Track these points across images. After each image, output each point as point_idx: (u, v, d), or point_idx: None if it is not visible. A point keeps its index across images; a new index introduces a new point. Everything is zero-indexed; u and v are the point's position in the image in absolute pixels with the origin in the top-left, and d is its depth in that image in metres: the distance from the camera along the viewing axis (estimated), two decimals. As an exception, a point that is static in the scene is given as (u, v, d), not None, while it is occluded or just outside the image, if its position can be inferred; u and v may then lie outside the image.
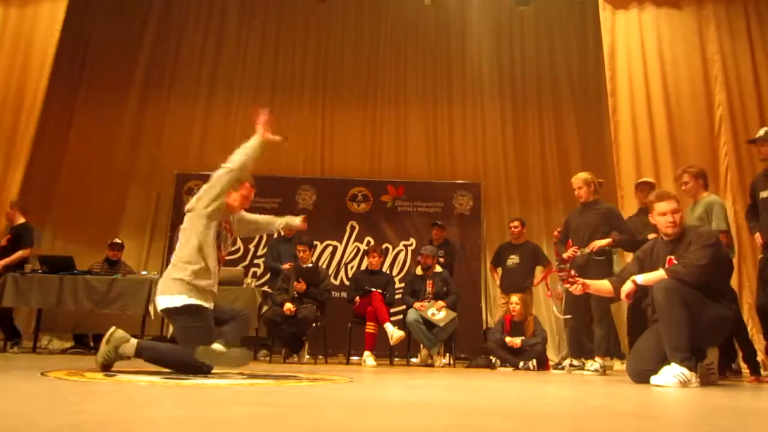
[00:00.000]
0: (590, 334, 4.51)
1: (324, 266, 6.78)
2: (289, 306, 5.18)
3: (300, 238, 5.74)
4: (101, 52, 7.84)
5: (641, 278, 3.17)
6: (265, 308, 5.43)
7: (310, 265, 5.60)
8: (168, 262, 3.24)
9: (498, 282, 6.05)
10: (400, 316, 5.77)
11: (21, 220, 5.45)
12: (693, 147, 5.76)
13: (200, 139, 7.76)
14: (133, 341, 2.83)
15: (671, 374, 2.85)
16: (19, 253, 5.27)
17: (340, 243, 7.20)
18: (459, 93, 7.94)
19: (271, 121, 3.28)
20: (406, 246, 7.18)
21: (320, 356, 5.52)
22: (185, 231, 3.00)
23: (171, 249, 3.19)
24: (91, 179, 7.37)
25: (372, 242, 7.05)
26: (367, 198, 7.34)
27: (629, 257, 4.44)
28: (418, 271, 5.83)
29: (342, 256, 7.17)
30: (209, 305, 2.95)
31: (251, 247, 7.06)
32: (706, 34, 6.04)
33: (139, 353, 2.82)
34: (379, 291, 5.46)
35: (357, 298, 5.63)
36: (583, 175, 4.74)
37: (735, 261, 4.94)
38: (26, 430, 1.13)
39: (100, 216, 7.22)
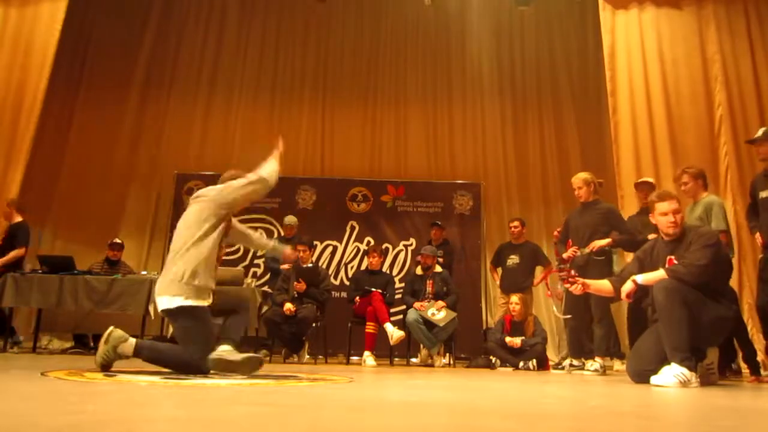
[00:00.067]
0: (590, 334, 4.51)
1: (324, 266, 6.78)
2: (289, 306, 5.19)
3: (300, 238, 5.74)
4: (101, 52, 7.84)
5: (641, 278, 3.17)
6: (265, 308, 5.43)
7: (310, 265, 5.59)
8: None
9: (498, 282, 6.05)
10: (400, 316, 5.77)
11: (18, 218, 5.44)
12: (693, 147, 5.76)
13: (200, 139, 7.76)
14: (132, 340, 2.83)
15: (671, 374, 2.85)
16: (14, 253, 5.26)
17: (340, 243, 7.20)
18: (459, 93, 7.94)
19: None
20: (406, 246, 7.18)
21: (320, 356, 5.52)
22: (190, 225, 2.97)
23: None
24: (91, 179, 7.37)
25: (372, 242, 7.05)
26: (367, 198, 7.34)
27: (629, 257, 4.44)
28: (418, 271, 5.83)
29: (342, 256, 7.17)
30: (208, 302, 2.95)
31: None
32: (706, 34, 6.04)
33: (138, 352, 2.82)
34: (379, 291, 5.46)
35: (357, 298, 5.63)
36: (583, 175, 4.74)
37: (735, 261, 4.94)
38: (26, 430, 1.13)
39: (100, 216, 7.22)
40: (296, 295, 5.35)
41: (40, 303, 5.11)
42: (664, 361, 2.95)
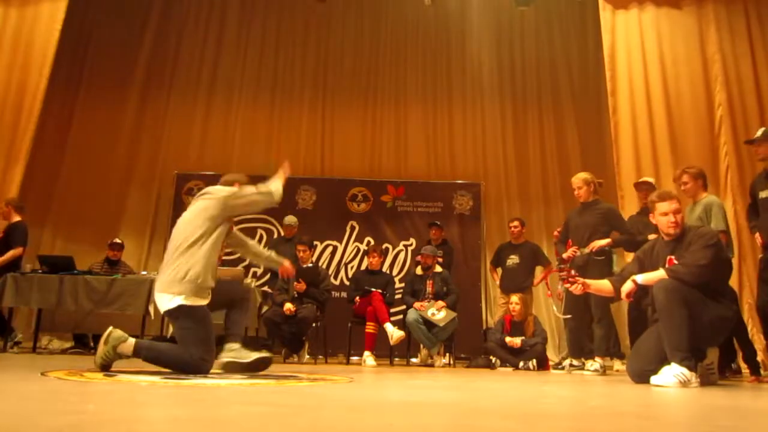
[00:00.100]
0: (590, 334, 4.51)
1: (324, 266, 6.79)
2: (289, 306, 5.18)
3: (300, 238, 5.74)
4: (101, 52, 7.84)
5: (641, 278, 3.17)
6: (265, 308, 5.43)
7: (310, 265, 5.59)
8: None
9: (498, 282, 6.06)
10: (400, 316, 5.77)
11: (16, 218, 5.42)
12: (693, 147, 5.76)
13: (200, 139, 7.76)
14: (131, 340, 2.83)
15: (671, 374, 2.85)
16: (11, 253, 5.24)
17: (340, 243, 7.20)
18: (459, 93, 7.94)
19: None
20: (406, 246, 7.18)
21: (320, 356, 5.52)
22: (195, 221, 2.96)
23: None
24: (91, 179, 7.37)
25: (372, 242, 7.05)
26: (367, 198, 7.34)
27: (629, 257, 4.44)
28: (418, 271, 5.83)
29: (342, 256, 7.17)
30: (207, 301, 2.94)
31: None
32: (706, 34, 6.04)
33: (137, 352, 2.81)
34: (379, 291, 5.46)
35: (357, 298, 5.63)
36: (582, 175, 4.74)
37: (735, 261, 4.94)
38: (26, 430, 1.13)
39: (100, 216, 7.22)
40: (296, 295, 5.35)
41: (40, 303, 5.10)
42: (664, 361, 2.95)
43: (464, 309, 6.14)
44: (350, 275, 6.82)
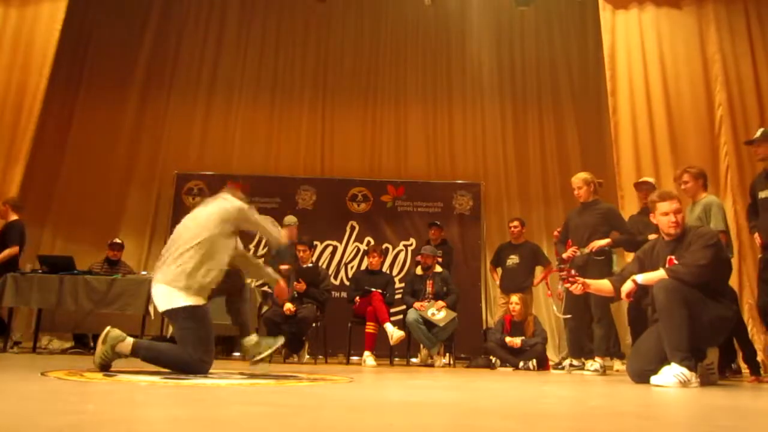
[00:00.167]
0: (590, 334, 4.51)
1: (324, 266, 6.79)
2: (289, 306, 5.18)
3: (300, 238, 5.74)
4: (101, 52, 7.84)
5: (641, 278, 3.17)
6: (265, 308, 5.43)
7: (310, 265, 5.60)
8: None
9: (498, 282, 6.06)
10: (400, 316, 5.77)
11: (13, 217, 5.42)
12: (693, 147, 5.76)
13: (200, 139, 7.77)
14: (130, 340, 2.82)
15: (671, 374, 2.85)
16: (7, 252, 5.23)
17: (340, 243, 7.20)
18: (459, 93, 7.94)
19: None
20: (406, 246, 7.18)
21: (320, 356, 5.52)
22: (210, 220, 2.98)
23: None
24: (91, 179, 7.37)
25: (372, 242, 7.05)
26: (367, 198, 7.34)
27: (629, 257, 4.44)
28: (418, 271, 5.83)
29: (342, 256, 7.17)
30: (206, 300, 2.94)
31: (251, 247, 7.06)
32: (706, 34, 6.04)
33: (135, 352, 2.80)
34: (379, 291, 5.46)
35: (357, 298, 5.63)
36: (582, 175, 4.75)
37: (735, 261, 4.94)
38: (26, 430, 1.13)
39: (100, 216, 7.22)
40: (296, 295, 5.35)
41: (40, 303, 5.10)
42: (664, 361, 2.95)
43: (464, 309, 6.14)
44: (350, 275, 6.82)
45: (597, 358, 4.41)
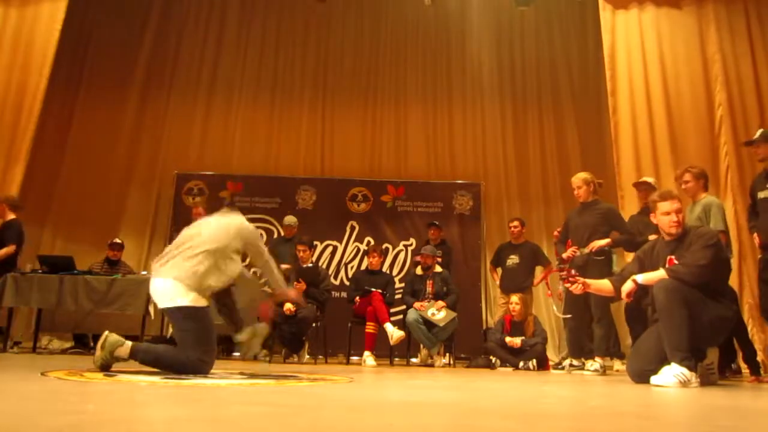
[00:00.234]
0: (590, 334, 4.51)
1: (324, 266, 6.78)
2: (289, 306, 5.18)
3: (300, 238, 5.74)
4: (101, 52, 7.84)
5: (642, 278, 3.17)
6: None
7: (310, 265, 5.59)
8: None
9: (498, 282, 6.06)
10: (400, 316, 5.77)
11: (10, 216, 5.40)
12: (693, 147, 5.76)
13: (200, 139, 7.76)
14: (128, 344, 2.81)
15: (671, 374, 2.85)
16: (4, 250, 5.22)
17: (340, 243, 7.20)
18: (459, 93, 7.94)
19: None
20: (406, 246, 7.18)
21: (320, 356, 5.52)
22: (229, 231, 3.02)
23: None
24: (91, 179, 7.37)
25: (372, 242, 7.05)
26: (367, 198, 7.34)
27: (629, 257, 4.44)
28: (418, 271, 5.83)
29: (342, 256, 7.17)
30: (208, 301, 2.94)
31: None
32: (706, 34, 6.04)
33: (134, 355, 2.80)
34: (379, 291, 5.46)
35: (357, 298, 5.63)
36: (582, 175, 4.75)
37: (736, 261, 4.95)
38: (26, 430, 1.13)
39: (100, 216, 7.22)
40: (296, 295, 5.35)
41: (40, 303, 5.11)
42: (665, 361, 2.95)
43: (464, 309, 6.14)
44: (350, 275, 6.82)
45: (597, 358, 4.41)
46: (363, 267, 6.61)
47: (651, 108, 5.89)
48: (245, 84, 7.94)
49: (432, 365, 5.44)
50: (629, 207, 5.42)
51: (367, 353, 5.20)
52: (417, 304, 5.42)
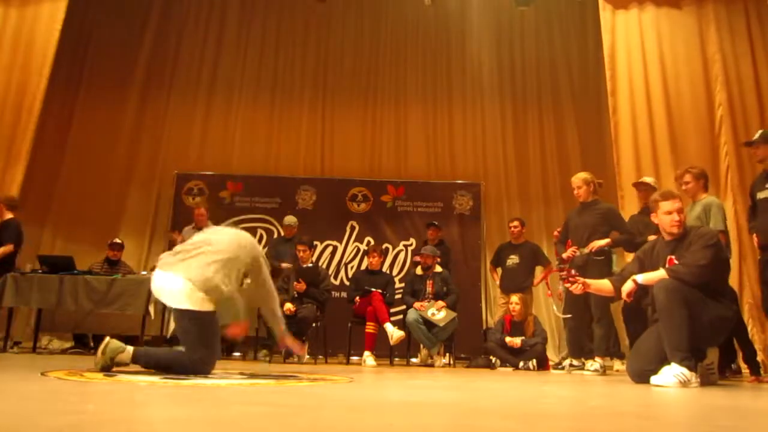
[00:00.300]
0: (590, 334, 4.51)
1: (324, 266, 6.78)
2: (289, 306, 5.18)
3: (300, 238, 5.74)
4: (101, 52, 7.84)
5: (642, 278, 3.17)
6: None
7: (310, 265, 5.59)
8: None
9: (498, 282, 6.05)
10: (400, 316, 5.77)
11: (8, 215, 5.39)
12: (693, 147, 5.76)
13: (200, 139, 7.76)
14: (129, 350, 2.79)
15: (671, 374, 2.85)
16: (2, 250, 5.19)
17: (340, 243, 7.20)
18: (459, 93, 7.94)
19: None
20: (406, 246, 7.18)
21: (320, 356, 5.52)
22: (244, 245, 3.03)
23: (172, 248, 3.15)
24: (91, 179, 7.37)
25: (372, 242, 7.05)
26: (367, 198, 7.34)
27: (629, 257, 4.44)
28: (418, 271, 5.83)
29: (342, 256, 7.17)
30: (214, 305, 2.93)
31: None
32: (706, 34, 6.04)
33: (136, 360, 2.79)
34: (379, 291, 5.46)
35: (357, 298, 5.63)
36: (582, 175, 4.75)
37: (736, 261, 4.95)
38: (26, 430, 1.13)
39: (100, 216, 7.22)
40: (296, 295, 5.35)
41: (40, 303, 5.10)
42: (664, 361, 2.95)
43: (464, 309, 6.14)
44: (350, 275, 6.82)
45: (597, 358, 4.41)
46: (363, 267, 6.61)
47: (651, 108, 5.89)
48: (245, 84, 7.94)
49: (432, 365, 5.44)
50: (629, 207, 5.42)
51: (367, 353, 5.20)
52: (417, 304, 5.42)
